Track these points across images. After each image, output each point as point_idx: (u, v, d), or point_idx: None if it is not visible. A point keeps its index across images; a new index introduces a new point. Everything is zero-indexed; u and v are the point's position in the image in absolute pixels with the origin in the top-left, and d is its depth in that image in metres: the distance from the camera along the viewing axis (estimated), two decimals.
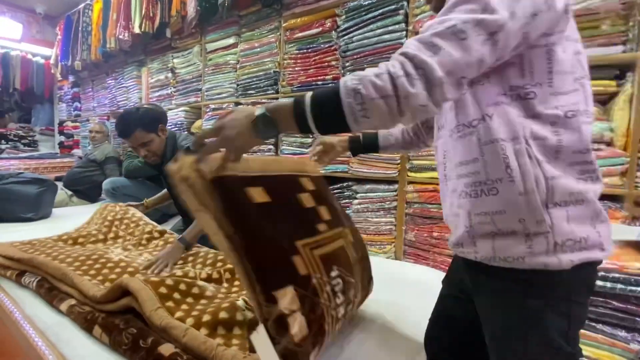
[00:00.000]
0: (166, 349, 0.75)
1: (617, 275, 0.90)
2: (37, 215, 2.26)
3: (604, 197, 1.24)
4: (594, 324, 0.95)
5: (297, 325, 0.57)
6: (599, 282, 0.91)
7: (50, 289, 1.05)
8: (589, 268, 0.54)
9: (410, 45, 0.49)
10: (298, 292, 0.60)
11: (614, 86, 1.24)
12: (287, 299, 0.58)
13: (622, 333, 0.92)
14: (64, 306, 0.97)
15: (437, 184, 1.59)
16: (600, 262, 0.56)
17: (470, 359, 0.72)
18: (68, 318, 0.95)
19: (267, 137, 0.55)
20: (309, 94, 0.52)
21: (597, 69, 1.26)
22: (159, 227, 1.59)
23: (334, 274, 0.72)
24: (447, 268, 1.60)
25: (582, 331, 0.96)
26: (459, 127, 0.59)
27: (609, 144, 1.25)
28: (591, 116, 0.57)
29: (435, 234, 1.60)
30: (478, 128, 0.55)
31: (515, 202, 0.53)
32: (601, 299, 0.92)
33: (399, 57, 0.48)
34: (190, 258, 1.27)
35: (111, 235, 1.54)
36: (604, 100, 1.30)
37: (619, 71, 1.25)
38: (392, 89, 0.47)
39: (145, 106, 1.57)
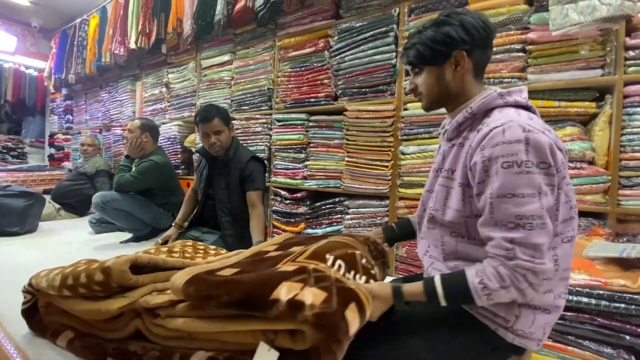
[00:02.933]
0: (199, 357, 0.69)
1: (601, 292, 0.92)
2: (22, 230, 2.21)
3: (588, 215, 1.29)
4: (580, 340, 0.96)
5: (309, 294, 0.58)
6: (583, 299, 0.93)
7: (39, 322, 0.95)
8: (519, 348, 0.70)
9: (518, 251, 0.58)
10: (293, 280, 0.63)
11: (594, 107, 1.29)
12: (284, 290, 0.59)
13: (608, 350, 0.93)
14: (61, 341, 0.87)
15: None
16: None
17: None
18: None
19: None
20: (438, 281, 0.65)
21: (577, 91, 1.32)
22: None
23: (330, 257, 0.74)
24: None
25: (569, 348, 0.97)
26: (460, 236, 0.73)
27: (591, 162, 1.29)
28: (574, 241, 0.70)
29: None
30: (483, 245, 0.67)
31: None
32: (587, 316, 0.94)
33: (514, 267, 0.59)
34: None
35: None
36: (584, 121, 1.35)
37: (599, 93, 1.31)
38: (522, 299, 0.61)
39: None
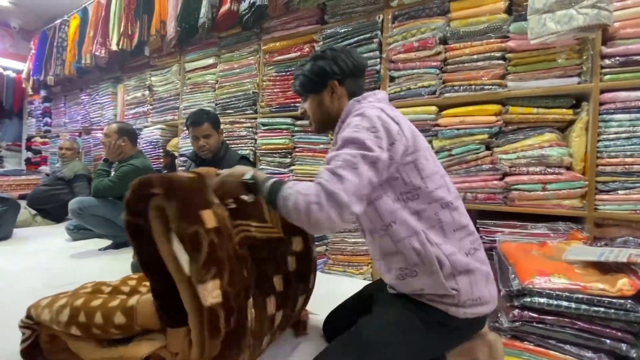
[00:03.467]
0: None
1: (580, 295, 0.93)
2: None
3: (566, 219, 1.31)
4: (561, 344, 0.97)
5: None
6: (563, 303, 0.93)
7: None
8: (476, 320, 0.77)
9: (324, 175, 0.68)
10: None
11: (571, 114, 1.33)
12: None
13: (589, 354, 0.93)
14: None
15: None
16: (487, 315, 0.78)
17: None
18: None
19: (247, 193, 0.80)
20: (271, 183, 0.74)
21: (555, 99, 1.35)
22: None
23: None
24: None
25: (550, 352, 0.97)
26: (373, 232, 0.80)
27: (569, 168, 1.32)
28: (455, 203, 0.78)
29: None
30: (388, 232, 0.76)
31: (429, 281, 0.73)
32: (567, 320, 0.94)
33: (316, 185, 0.67)
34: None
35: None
36: (562, 128, 1.38)
37: (576, 100, 1.35)
38: (305, 213, 0.66)
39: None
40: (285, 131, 2.01)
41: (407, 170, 0.75)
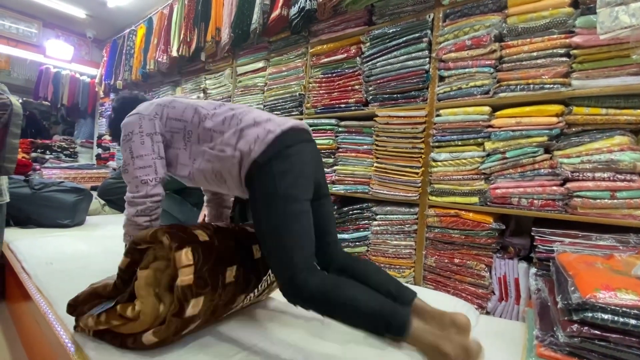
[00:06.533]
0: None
1: None
2: (72, 222, 2.41)
3: (630, 230, 1.18)
4: None
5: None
6: (631, 321, 0.85)
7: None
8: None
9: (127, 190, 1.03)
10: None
11: None
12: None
13: None
14: (146, 337, 0.85)
15: (459, 209, 1.57)
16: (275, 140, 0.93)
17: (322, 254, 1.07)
18: None
19: None
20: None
21: (628, 98, 1.23)
22: None
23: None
24: (468, 296, 1.57)
25: None
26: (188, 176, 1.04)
27: None
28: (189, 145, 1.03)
29: (456, 260, 1.56)
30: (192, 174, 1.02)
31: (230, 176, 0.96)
32: (634, 339, 0.86)
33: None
34: None
35: None
36: (636, 130, 1.26)
37: None
38: (130, 222, 1.03)
39: None
40: (329, 132, 2.04)
41: (173, 141, 1.05)
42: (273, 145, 0.90)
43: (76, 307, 0.95)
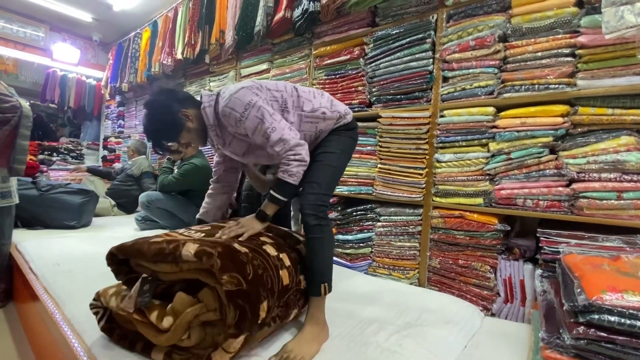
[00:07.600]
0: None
1: None
2: (79, 224, 2.43)
3: (637, 231, 1.17)
4: None
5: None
6: (638, 323, 0.84)
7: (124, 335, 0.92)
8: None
9: (283, 152, 1.09)
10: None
11: None
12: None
13: None
14: (157, 355, 0.86)
15: (464, 210, 1.57)
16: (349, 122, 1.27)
17: None
18: None
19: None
20: (274, 192, 1.12)
21: (634, 98, 1.22)
22: None
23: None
24: (473, 297, 1.56)
25: None
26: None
27: None
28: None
29: (461, 262, 1.55)
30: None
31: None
32: None
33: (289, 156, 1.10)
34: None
35: None
36: None
37: None
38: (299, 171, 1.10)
39: None
40: None
41: (290, 107, 1.18)
42: (353, 120, 1.29)
43: (117, 255, 0.97)
